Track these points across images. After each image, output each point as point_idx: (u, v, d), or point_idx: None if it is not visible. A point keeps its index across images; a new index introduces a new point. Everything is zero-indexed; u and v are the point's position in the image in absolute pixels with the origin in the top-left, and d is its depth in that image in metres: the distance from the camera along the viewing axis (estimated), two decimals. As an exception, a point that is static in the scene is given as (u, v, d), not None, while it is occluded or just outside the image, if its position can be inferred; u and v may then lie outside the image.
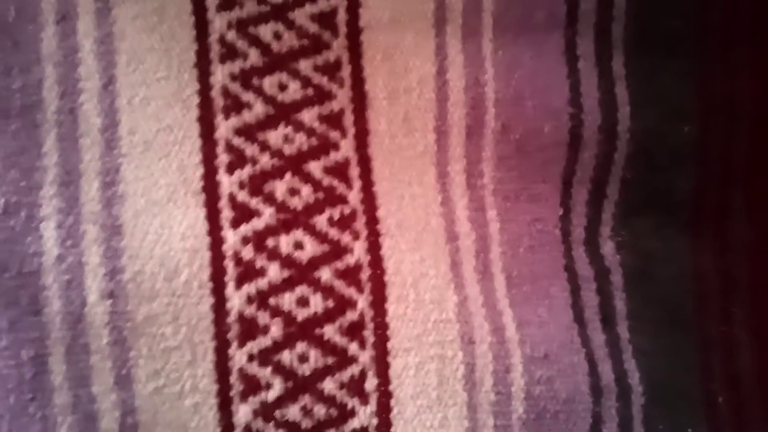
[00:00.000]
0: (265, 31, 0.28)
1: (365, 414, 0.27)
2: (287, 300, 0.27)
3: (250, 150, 0.28)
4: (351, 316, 0.27)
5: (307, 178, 0.28)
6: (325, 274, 0.27)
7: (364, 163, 0.28)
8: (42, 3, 0.27)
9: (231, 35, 0.28)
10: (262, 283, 0.27)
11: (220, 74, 0.28)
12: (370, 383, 0.27)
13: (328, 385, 0.27)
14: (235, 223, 0.27)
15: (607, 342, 0.29)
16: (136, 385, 0.26)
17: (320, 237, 0.28)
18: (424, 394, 0.27)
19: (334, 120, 0.28)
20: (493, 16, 0.29)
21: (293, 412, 0.27)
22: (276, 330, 0.27)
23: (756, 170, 0.31)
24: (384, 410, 0.27)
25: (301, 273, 0.27)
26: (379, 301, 0.28)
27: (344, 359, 0.27)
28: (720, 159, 0.31)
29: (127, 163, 0.27)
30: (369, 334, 0.28)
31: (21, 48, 0.27)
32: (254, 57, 0.28)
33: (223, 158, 0.27)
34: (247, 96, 0.28)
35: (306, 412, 0.27)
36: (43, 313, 0.26)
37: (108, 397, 0.26)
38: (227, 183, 0.27)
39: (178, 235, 0.27)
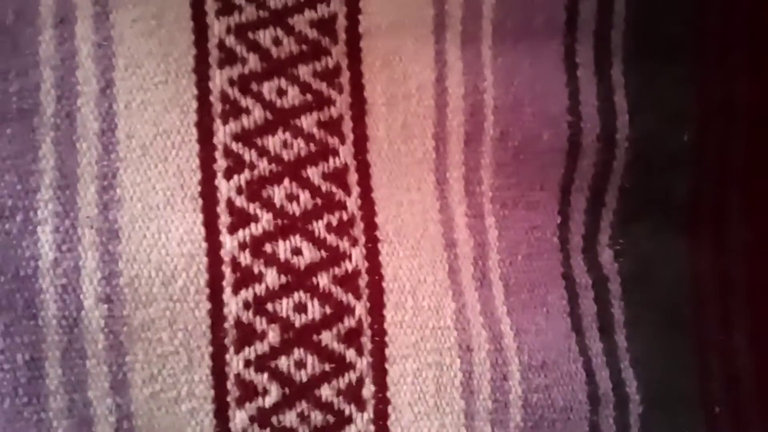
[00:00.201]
0: (265, 37, 0.28)
1: (362, 421, 0.27)
2: (285, 306, 0.27)
3: (249, 155, 0.27)
4: (349, 322, 0.27)
5: (306, 183, 0.28)
6: (322, 280, 0.27)
7: (363, 169, 0.28)
8: (40, 6, 0.27)
9: (230, 40, 0.28)
10: (259, 288, 0.27)
11: (218, 79, 0.27)
12: (368, 390, 0.27)
13: (326, 392, 0.27)
14: (233, 229, 0.27)
15: (605, 350, 0.29)
16: (133, 390, 0.26)
17: (318, 243, 0.28)
18: (422, 402, 0.27)
19: (332, 126, 0.28)
20: (492, 24, 0.29)
21: (290, 418, 0.27)
22: (273, 336, 0.27)
23: (753, 173, 0.31)
24: (381, 417, 0.27)
25: (298, 279, 0.27)
26: (377, 308, 0.28)
27: (342, 366, 0.27)
28: (717, 162, 0.31)
29: (124, 167, 0.27)
30: (367, 341, 0.27)
31: (19, 51, 0.27)
32: (253, 62, 0.28)
33: (221, 163, 0.27)
34: (246, 101, 0.28)
35: (303, 418, 0.27)
36: (39, 317, 0.25)
37: (104, 402, 0.26)
38: (225, 188, 0.27)
39: (176, 240, 0.27)
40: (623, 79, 0.30)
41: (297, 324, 0.27)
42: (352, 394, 0.27)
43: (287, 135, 0.28)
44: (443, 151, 0.29)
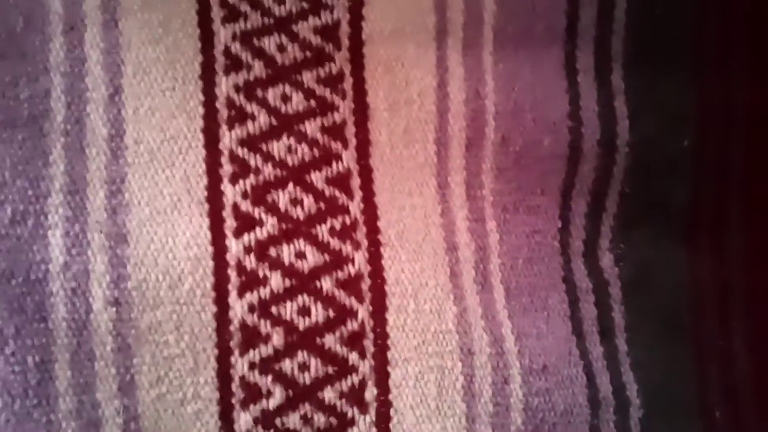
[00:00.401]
0: (270, 44, 0.28)
1: (365, 423, 0.27)
2: (289, 309, 0.27)
3: (254, 160, 0.28)
4: (351, 325, 0.28)
5: (310, 188, 0.28)
6: (326, 283, 0.28)
7: (366, 174, 0.29)
8: (50, 14, 0.27)
9: (235, 47, 0.28)
10: (264, 292, 0.27)
11: (224, 85, 0.28)
12: (370, 393, 0.27)
13: (328, 394, 0.27)
14: (238, 233, 0.27)
15: (605, 354, 0.29)
16: (140, 391, 0.26)
17: (322, 247, 0.28)
18: (424, 405, 0.28)
19: (336, 131, 0.28)
20: (493, 30, 0.29)
21: (293, 420, 0.27)
22: (277, 339, 0.27)
23: (752, 179, 0.31)
24: (383, 420, 0.27)
25: (302, 282, 0.27)
26: (379, 311, 0.28)
27: (344, 368, 0.27)
28: (717, 168, 0.31)
29: (132, 172, 0.27)
30: (369, 344, 0.28)
31: (29, 58, 0.27)
32: (258, 69, 0.28)
33: (227, 168, 0.27)
34: (251, 107, 0.28)
35: (306, 420, 0.27)
36: (49, 319, 0.26)
37: (112, 404, 0.26)
38: (231, 193, 0.27)
39: (182, 243, 0.27)
40: (623, 85, 0.30)
41: (301, 327, 0.27)
42: (355, 397, 0.27)
43: (291, 140, 0.28)
44: (445, 156, 0.29)
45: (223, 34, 0.28)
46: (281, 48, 0.28)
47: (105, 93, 0.27)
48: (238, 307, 0.27)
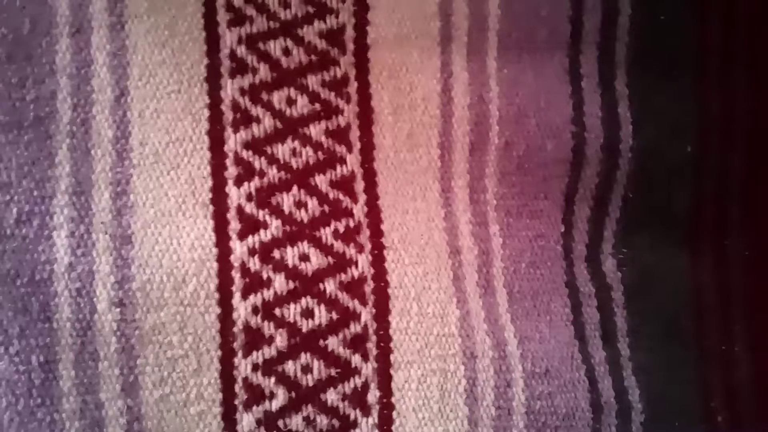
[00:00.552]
0: (275, 47, 0.28)
1: (367, 426, 0.27)
2: (292, 311, 0.27)
3: (259, 163, 0.28)
4: (354, 328, 0.28)
5: (314, 191, 0.28)
6: (329, 286, 0.28)
7: (369, 177, 0.29)
8: (56, 16, 0.27)
9: (241, 50, 0.28)
10: (267, 294, 0.27)
11: (229, 89, 0.28)
12: (373, 395, 0.28)
13: (331, 396, 0.27)
14: (242, 235, 0.27)
15: (608, 359, 0.29)
16: (143, 392, 0.26)
17: (325, 249, 0.28)
18: (426, 408, 0.28)
19: (340, 135, 0.29)
20: (498, 35, 0.29)
21: (296, 422, 0.27)
22: (280, 341, 0.27)
23: (753, 185, 0.31)
24: (386, 422, 0.27)
25: (306, 285, 0.27)
26: (382, 314, 0.28)
27: (347, 371, 0.27)
28: (718, 174, 0.31)
29: (137, 174, 0.27)
30: (372, 347, 0.28)
31: (35, 60, 0.27)
32: (263, 72, 0.28)
33: (231, 171, 0.28)
34: (256, 110, 0.28)
35: (309, 422, 0.27)
36: (53, 320, 0.26)
37: (115, 404, 0.26)
38: (235, 195, 0.28)
39: (187, 245, 0.27)
40: (627, 91, 0.30)
41: (304, 329, 0.27)
42: (358, 399, 0.27)
43: (296, 143, 0.28)
44: (448, 160, 0.29)
45: (228, 38, 0.28)
46: (286, 52, 0.28)
47: (111, 95, 0.27)
48: (241, 309, 0.27)
